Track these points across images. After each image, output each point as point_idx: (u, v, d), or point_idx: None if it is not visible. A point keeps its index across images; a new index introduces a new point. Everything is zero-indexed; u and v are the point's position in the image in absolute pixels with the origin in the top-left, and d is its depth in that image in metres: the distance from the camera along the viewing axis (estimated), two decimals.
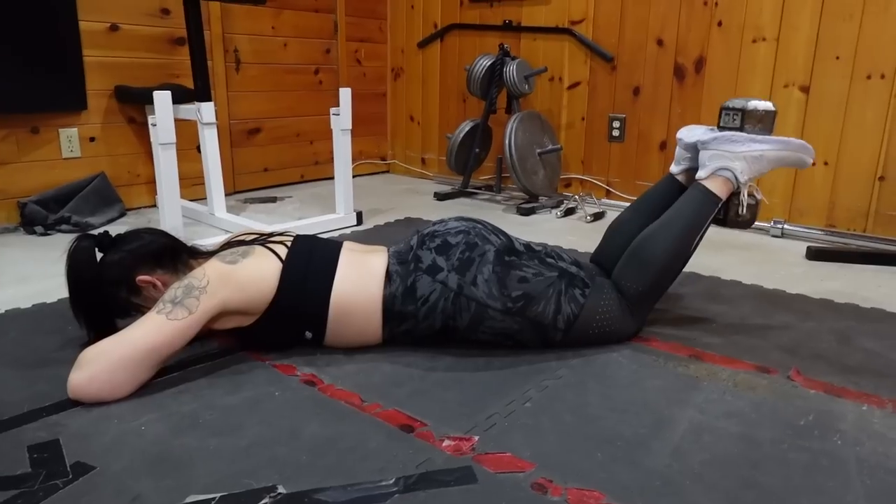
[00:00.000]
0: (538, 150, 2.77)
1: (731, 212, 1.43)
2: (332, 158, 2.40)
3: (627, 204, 2.81)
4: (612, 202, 2.87)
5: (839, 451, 1.01)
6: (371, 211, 2.77)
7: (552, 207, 2.83)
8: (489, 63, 2.84)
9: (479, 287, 1.30)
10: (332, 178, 2.46)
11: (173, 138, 1.91)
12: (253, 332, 1.31)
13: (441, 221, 1.44)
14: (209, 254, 1.37)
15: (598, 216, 2.66)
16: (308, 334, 1.35)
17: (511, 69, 2.76)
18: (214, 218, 2.48)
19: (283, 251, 1.34)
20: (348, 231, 2.42)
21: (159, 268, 1.32)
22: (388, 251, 1.42)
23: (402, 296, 1.32)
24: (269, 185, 3.26)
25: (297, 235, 1.43)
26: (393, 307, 1.33)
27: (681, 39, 2.58)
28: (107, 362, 1.13)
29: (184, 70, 2.73)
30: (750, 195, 1.43)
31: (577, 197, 2.86)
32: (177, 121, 2.52)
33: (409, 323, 1.34)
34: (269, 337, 1.35)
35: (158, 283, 1.30)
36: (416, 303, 1.32)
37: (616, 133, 2.83)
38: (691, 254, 1.42)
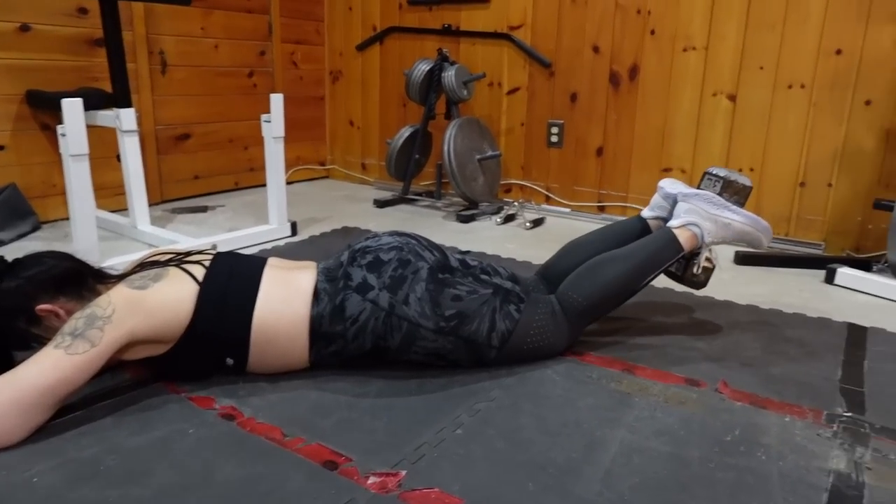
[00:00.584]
0: (477, 157, 2.75)
1: (688, 270, 1.49)
2: (264, 143, 2.31)
3: (566, 210, 2.87)
4: (552, 208, 2.88)
5: (763, 467, 1.02)
6: (307, 220, 2.70)
7: (492, 214, 2.82)
8: (428, 68, 2.80)
9: (412, 306, 1.26)
10: (266, 184, 2.37)
11: (85, 149, 1.80)
12: (168, 361, 1.23)
13: (374, 236, 1.40)
14: (118, 278, 1.28)
15: (537, 223, 2.67)
16: (229, 361, 1.28)
17: (450, 75, 2.73)
18: (137, 231, 2.35)
19: (199, 272, 1.26)
20: (282, 243, 2.35)
21: (62, 295, 1.22)
22: (317, 267, 1.36)
23: (329, 315, 1.27)
24: (200, 194, 3.13)
25: (218, 254, 1.36)
26: (320, 328, 1.28)
27: (616, 47, 2.61)
28: None
29: (104, 73, 2.58)
30: (707, 259, 1.48)
31: (516, 203, 2.86)
32: (96, 128, 2.39)
33: (338, 344, 1.29)
34: (185, 366, 1.27)
35: (61, 312, 1.20)
36: (344, 323, 1.27)
37: (555, 139, 2.84)
38: (639, 289, 1.44)
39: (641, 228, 1.59)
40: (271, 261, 1.38)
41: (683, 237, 1.44)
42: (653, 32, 2.51)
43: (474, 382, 1.29)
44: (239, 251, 1.38)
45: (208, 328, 1.22)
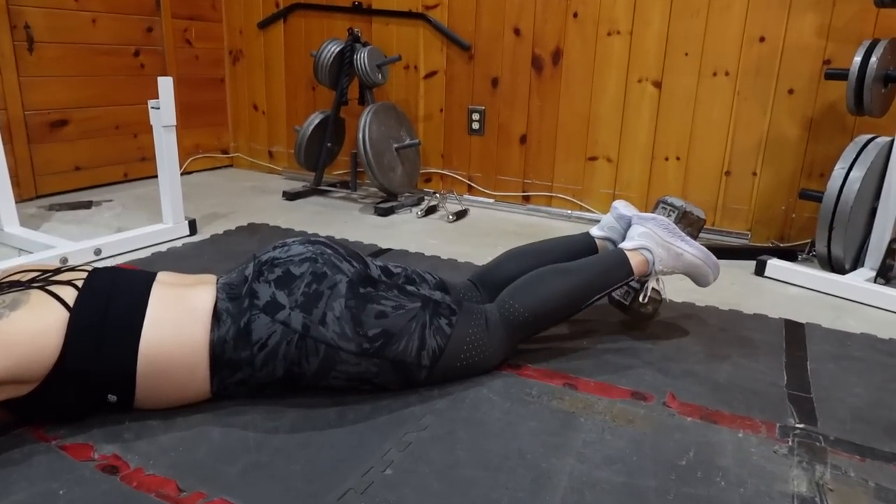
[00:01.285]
0: (395, 145, 2.57)
1: (635, 301, 1.43)
2: (153, 132, 2.04)
3: (490, 200, 2.76)
4: (475, 198, 2.75)
5: (724, 496, 0.93)
6: (208, 216, 2.43)
7: (412, 206, 2.66)
8: (338, 49, 2.58)
9: (329, 326, 1.09)
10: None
11: None
12: (32, 402, 1.01)
13: (282, 245, 1.20)
14: None
15: (460, 215, 2.53)
16: (111, 398, 1.06)
17: (362, 57, 2.53)
18: (3, 234, 2.02)
19: (69, 294, 1.04)
20: (179, 244, 2.09)
21: None
22: (217, 283, 1.16)
23: (234, 340, 1.08)
24: (83, 187, 2.78)
25: (94, 270, 1.13)
26: (223, 354, 1.08)
27: (538, 30, 2.50)
28: None
29: None
30: (655, 290, 1.41)
31: (438, 195, 2.72)
32: None
33: (244, 372, 1.10)
34: (56, 407, 1.05)
35: None
36: (251, 348, 1.08)
37: (476, 126, 2.70)
38: (583, 308, 1.33)
39: (589, 246, 1.50)
40: (161, 276, 1.16)
41: (635, 260, 1.35)
42: (576, 15, 2.42)
43: (402, 408, 1.14)
44: (123, 265, 1.14)
45: (82, 363, 1.00)
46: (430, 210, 2.57)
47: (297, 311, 1.08)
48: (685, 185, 2.36)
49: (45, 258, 1.80)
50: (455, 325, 1.19)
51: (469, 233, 2.35)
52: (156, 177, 2.12)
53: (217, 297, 1.11)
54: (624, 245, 1.38)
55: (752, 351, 1.41)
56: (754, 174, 2.24)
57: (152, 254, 1.98)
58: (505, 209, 2.69)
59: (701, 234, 2.16)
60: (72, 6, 2.60)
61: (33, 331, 0.97)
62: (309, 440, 1.04)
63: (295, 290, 1.09)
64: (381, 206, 2.54)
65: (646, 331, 1.50)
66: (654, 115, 2.35)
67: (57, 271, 1.12)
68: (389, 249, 2.07)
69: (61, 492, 0.91)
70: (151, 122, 2.04)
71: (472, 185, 2.78)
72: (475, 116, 2.69)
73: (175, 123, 2.06)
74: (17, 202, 2.47)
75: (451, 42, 2.67)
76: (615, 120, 2.42)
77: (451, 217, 2.48)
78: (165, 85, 1.99)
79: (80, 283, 1.07)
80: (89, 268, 1.14)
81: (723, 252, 2.08)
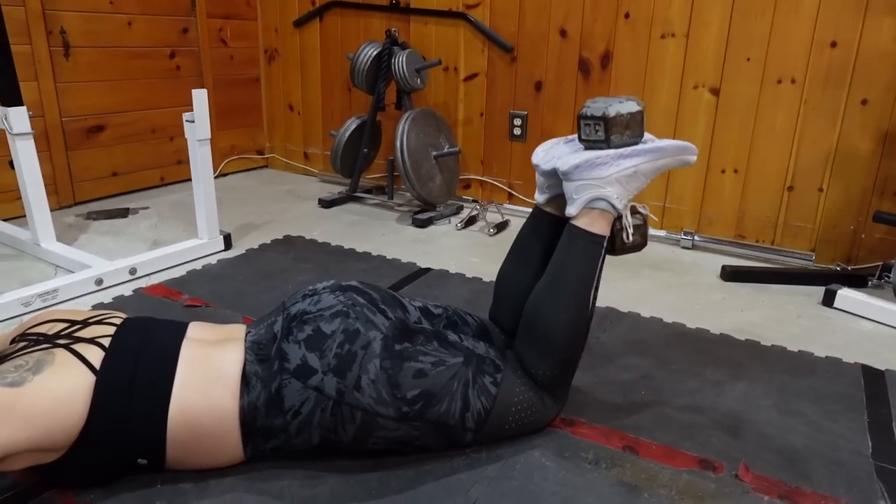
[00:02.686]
0: (434, 153, 2.47)
1: (616, 241, 1.18)
2: (188, 146, 1.98)
3: (531, 210, 2.63)
4: (516, 207, 2.64)
5: None
6: (243, 227, 2.38)
7: (451, 216, 2.56)
8: (375, 52, 2.48)
9: (365, 391, 1.01)
10: None
11: None
12: (60, 468, 0.96)
13: (312, 293, 1.12)
14: None
15: (501, 227, 2.43)
16: (141, 461, 1.01)
17: (400, 61, 2.42)
18: (40, 249, 2.00)
19: (96, 355, 0.98)
20: (214, 260, 2.03)
21: None
22: (245, 339, 1.08)
23: (265, 407, 1.01)
24: (120, 192, 2.75)
25: (124, 322, 1.07)
26: (255, 421, 1.01)
27: (585, 31, 2.35)
28: None
29: None
30: (634, 214, 1.18)
31: (478, 205, 2.61)
32: None
33: (279, 439, 1.03)
34: (84, 474, 1.00)
35: None
36: (284, 415, 1.01)
37: (517, 131, 2.58)
38: (592, 311, 1.16)
39: (549, 220, 1.26)
40: (191, 331, 1.10)
41: (593, 223, 1.14)
42: (627, 16, 2.26)
43: (448, 474, 1.06)
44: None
45: (109, 430, 0.95)
46: (470, 221, 2.47)
47: (331, 376, 1.00)
48: (743, 199, 2.21)
49: (81, 279, 1.77)
50: (501, 384, 1.10)
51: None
52: (191, 180, 2.06)
53: (245, 359, 1.04)
54: (569, 213, 1.16)
55: (829, 407, 1.29)
56: (820, 190, 2.08)
57: (187, 272, 1.93)
58: None
59: (762, 254, 1.98)
60: (107, 9, 2.55)
61: (57, 398, 0.92)
62: None
63: (327, 352, 1.01)
64: (419, 216, 2.45)
65: (710, 378, 1.38)
66: (711, 125, 2.20)
67: (85, 323, 1.06)
68: (429, 270, 1.98)
69: None
70: (186, 136, 1.98)
71: (513, 193, 2.67)
72: (517, 122, 2.57)
73: (209, 137, 1.99)
74: (55, 209, 2.47)
75: (492, 43, 2.54)
76: (667, 128, 2.27)
77: (491, 230, 2.38)
78: (200, 98, 1.92)
79: (106, 342, 1.01)
80: (118, 320, 1.08)
81: (786, 277, 1.94)
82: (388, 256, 2.09)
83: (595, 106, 1.13)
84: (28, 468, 0.94)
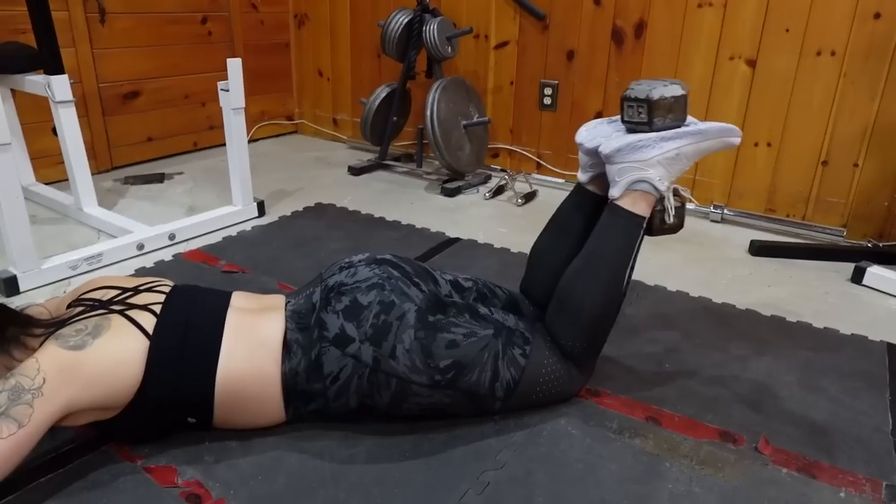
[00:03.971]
0: (464, 123, 2.48)
1: (655, 220, 1.21)
2: (223, 114, 2.02)
3: (560, 180, 2.64)
4: (544, 178, 2.65)
5: None
6: (275, 194, 2.43)
7: (479, 185, 2.58)
8: (406, 20, 2.47)
9: (400, 360, 1.06)
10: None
11: (7, 138, 1.50)
12: (117, 424, 1.03)
13: (349, 266, 1.16)
14: (49, 326, 1.05)
15: (529, 197, 2.44)
16: (191, 420, 1.08)
17: (431, 29, 2.42)
18: (83, 214, 2.07)
19: (149, 321, 1.04)
20: (248, 227, 2.09)
21: None
22: (286, 308, 1.14)
23: (305, 372, 1.07)
24: (154, 158, 2.81)
25: (172, 290, 1.13)
26: (295, 386, 1.07)
27: (620, 0, 2.32)
28: None
29: (29, 24, 2.21)
30: (675, 195, 1.20)
31: (507, 174, 2.62)
32: (24, 94, 2.05)
33: (318, 403, 1.09)
34: (138, 430, 1.07)
35: None
36: (323, 380, 1.07)
37: (548, 101, 2.57)
38: (626, 289, 1.19)
39: (590, 199, 1.28)
40: (235, 300, 1.15)
41: (635, 204, 1.16)
42: None
43: (478, 440, 1.11)
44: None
45: (162, 391, 1.01)
46: (498, 191, 2.49)
47: (367, 345, 1.05)
48: (775, 173, 2.19)
49: (124, 244, 1.84)
50: (529, 356, 1.14)
51: (538, 219, 2.26)
52: (222, 145, 2.10)
53: (286, 328, 1.09)
54: (612, 195, 1.18)
55: (852, 384, 1.31)
56: (856, 165, 2.05)
57: (223, 238, 1.99)
58: None
59: (792, 229, 1.97)
60: None
61: (116, 359, 0.98)
62: (385, 475, 1.03)
63: (364, 322, 1.06)
64: (448, 185, 2.48)
65: (735, 353, 1.41)
66: (746, 97, 2.17)
67: (136, 290, 1.12)
68: (458, 239, 2.02)
69: None
70: (221, 105, 2.01)
71: (542, 163, 2.67)
72: (547, 91, 2.56)
73: (244, 106, 2.03)
74: (94, 174, 2.53)
75: (524, 11, 2.52)
76: (701, 100, 2.25)
77: (519, 200, 2.39)
78: (234, 67, 1.95)
79: (158, 309, 1.07)
80: (166, 287, 1.14)
81: (816, 253, 1.94)
82: (418, 226, 2.13)
83: (639, 88, 1.14)
84: (89, 424, 1.02)
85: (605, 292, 1.16)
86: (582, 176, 1.28)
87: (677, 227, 1.23)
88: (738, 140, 1.18)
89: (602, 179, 1.24)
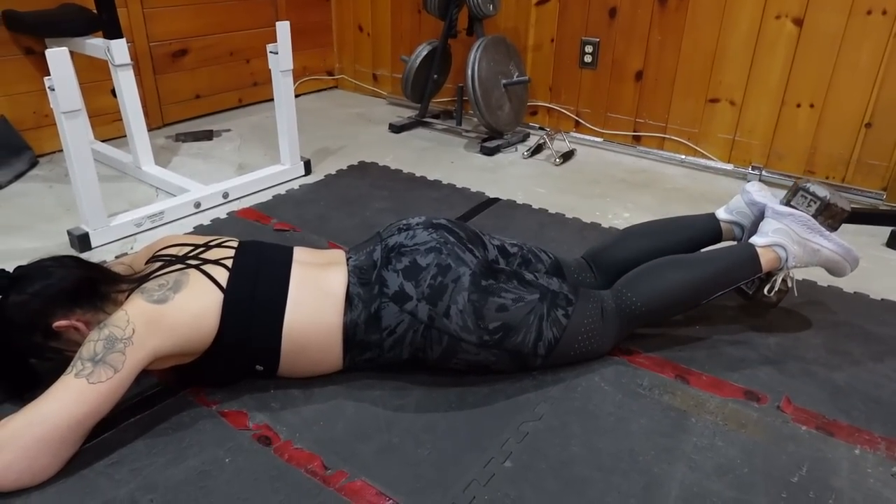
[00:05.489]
0: (504, 82, 2.50)
1: (760, 291, 1.36)
2: (272, 76, 2.10)
3: (598, 139, 2.66)
4: (582, 136, 2.67)
5: None
6: (319, 152, 2.51)
7: (518, 143, 2.62)
8: None
9: (453, 319, 1.15)
10: (273, 99, 2.16)
11: (79, 104, 1.61)
12: (195, 370, 1.16)
13: (407, 228, 1.25)
14: (133, 281, 1.17)
15: (567, 156, 2.48)
16: (259, 368, 1.20)
17: None
18: (142, 172, 2.19)
19: (222, 275, 1.15)
20: (296, 185, 2.19)
21: (77, 307, 1.12)
22: (347, 263, 1.24)
23: (364, 324, 1.17)
24: (202, 114, 2.91)
25: (240, 246, 1.24)
26: (355, 336, 1.18)
27: None
28: (23, 447, 0.96)
29: None
30: (784, 282, 1.34)
31: (546, 132, 2.65)
32: (82, 56, 2.15)
33: (373, 352, 1.20)
34: (213, 375, 1.20)
35: (80, 326, 1.11)
36: (380, 332, 1.17)
37: (588, 59, 2.57)
38: (701, 304, 1.31)
39: (713, 230, 1.44)
40: (298, 254, 1.26)
41: (766, 258, 1.30)
42: None
43: (518, 393, 1.21)
44: (263, 242, 1.22)
45: (235, 340, 1.13)
46: (537, 149, 2.53)
47: (424, 303, 1.15)
48: (816, 134, 2.18)
49: (182, 202, 1.96)
50: (571, 316, 1.22)
51: (576, 179, 2.31)
52: (267, 101, 2.17)
53: (349, 281, 1.19)
54: (755, 240, 1.32)
55: (877, 348, 1.36)
56: None
57: (273, 197, 2.09)
58: (613, 149, 2.60)
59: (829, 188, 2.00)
60: None
61: (195, 311, 1.10)
62: (433, 423, 1.14)
63: (422, 282, 1.16)
64: (487, 144, 2.52)
65: (763, 317, 1.47)
66: (791, 56, 2.14)
67: (207, 246, 1.23)
68: (497, 200, 2.09)
69: (227, 460, 1.06)
70: (270, 66, 2.08)
71: (580, 121, 2.69)
72: (588, 49, 2.55)
73: (292, 67, 2.09)
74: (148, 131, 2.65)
75: None
76: (744, 60, 2.23)
77: (557, 160, 2.43)
78: (283, 30, 2.01)
79: (229, 263, 1.17)
80: (234, 243, 1.25)
81: (853, 216, 1.94)
82: (458, 185, 2.20)
83: (819, 187, 1.32)
84: (170, 369, 1.15)
85: (697, 286, 1.28)
86: (723, 214, 1.44)
87: (772, 305, 1.39)
88: (850, 272, 1.36)
89: (734, 228, 1.43)
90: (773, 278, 1.33)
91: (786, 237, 1.30)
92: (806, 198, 1.33)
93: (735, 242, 1.43)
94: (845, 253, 1.34)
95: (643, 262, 1.33)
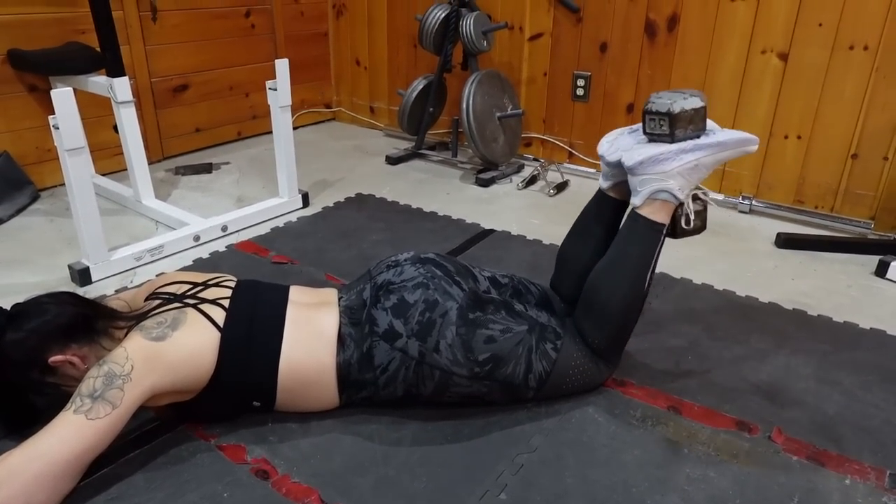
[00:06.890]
0: (498, 115, 2.56)
1: (677, 226, 1.28)
2: (271, 112, 2.14)
3: (591, 170, 2.71)
4: (576, 167, 2.72)
5: None
6: (317, 184, 2.55)
7: (512, 174, 2.67)
8: (444, 15, 2.54)
9: (443, 353, 1.17)
10: (271, 132, 2.19)
11: (82, 142, 1.64)
12: (193, 406, 1.17)
13: (395, 265, 1.28)
14: (131, 318, 1.19)
15: (561, 187, 2.52)
16: (256, 403, 1.21)
17: (468, 23, 2.48)
18: (142, 206, 2.23)
19: (219, 315, 1.17)
20: (294, 217, 2.22)
21: (73, 342, 1.14)
22: (339, 303, 1.26)
23: (358, 363, 1.19)
24: (202, 147, 2.96)
25: (237, 286, 1.26)
26: (349, 376, 1.20)
27: None
28: (21, 483, 0.97)
29: (90, 24, 2.35)
30: (695, 200, 1.27)
31: (539, 164, 2.70)
32: (85, 92, 2.20)
33: (369, 390, 1.22)
34: (211, 411, 1.21)
35: (76, 361, 1.13)
36: (374, 371, 1.19)
37: (580, 92, 2.63)
38: (648, 290, 1.28)
39: (611, 204, 1.37)
40: (293, 294, 1.28)
41: (655, 212, 1.23)
42: None
43: (513, 425, 1.23)
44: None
45: (233, 378, 1.15)
46: (531, 180, 2.57)
47: (414, 339, 1.17)
48: (804, 165, 2.22)
49: (181, 236, 1.98)
50: (560, 350, 1.24)
51: (570, 210, 2.35)
52: (265, 134, 2.21)
53: (340, 321, 1.22)
54: (634, 203, 1.26)
55: (866, 377, 1.38)
56: (885, 159, 2.08)
57: (271, 230, 2.12)
58: None
59: (819, 221, 2.01)
60: None
61: (192, 350, 1.12)
62: (429, 456, 1.15)
63: (410, 319, 1.18)
64: (482, 175, 2.57)
65: (755, 347, 1.49)
66: (777, 90, 2.20)
67: (205, 285, 1.25)
68: (492, 231, 2.12)
69: (225, 494, 1.07)
70: (269, 103, 2.13)
71: (574, 152, 2.73)
72: (580, 82, 2.61)
73: (291, 103, 2.14)
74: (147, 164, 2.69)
75: (558, 3, 2.56)
76: (731, 93, 2.29)
77: (551, 191, 2.47)
78: (282, 67, 2.06)
79: (226, 303, 1.20)
80: (231, 282, 1.27)
81: (841, 246, 1.98)
82: (454, 217, 2.23)
83: (660, 102, 1.21)
84: (168, 405, 1.16)
85: (627, 294, 1.25)
86: (604, 183, 1.37)
87: (699, 229, 1.30)
88: (754, 148, 1.24)
89: (623, 186, 1.32)
90: (679, 214, 1.26)
91: (654, 183, 1.22)
92: (654, 119, 1.22)
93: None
94: (721, 147, 1.22)
95: (589, 270, 1.31)
